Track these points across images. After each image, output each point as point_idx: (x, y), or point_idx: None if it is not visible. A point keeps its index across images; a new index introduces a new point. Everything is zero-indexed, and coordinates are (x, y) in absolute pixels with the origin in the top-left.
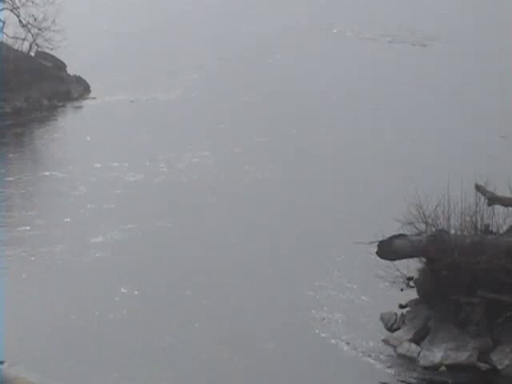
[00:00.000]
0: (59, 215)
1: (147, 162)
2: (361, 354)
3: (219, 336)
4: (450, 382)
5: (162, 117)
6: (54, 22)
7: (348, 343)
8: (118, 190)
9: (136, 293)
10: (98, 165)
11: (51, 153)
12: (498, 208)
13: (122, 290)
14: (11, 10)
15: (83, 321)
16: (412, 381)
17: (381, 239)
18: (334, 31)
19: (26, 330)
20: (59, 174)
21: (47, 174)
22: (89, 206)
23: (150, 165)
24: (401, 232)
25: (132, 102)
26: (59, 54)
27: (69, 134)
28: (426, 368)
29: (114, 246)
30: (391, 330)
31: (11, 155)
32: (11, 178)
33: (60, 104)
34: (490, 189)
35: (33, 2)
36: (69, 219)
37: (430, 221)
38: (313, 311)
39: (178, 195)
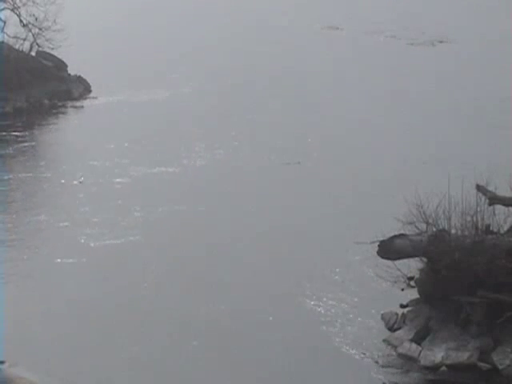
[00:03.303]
0: (98, 203)
1: (169, 155)
2: (361, 354)
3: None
4: (451, 381)
5: (169, 114)
6: (54, 21)
7: (349, 343)
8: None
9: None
10: (110, 161)
11: (54, 151)
12: (499, 208)
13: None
14: (12, 10)
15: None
16: (413, 381)
17: (381, 239)
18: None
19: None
20: (76, 170)
21: (48, 173)
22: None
23: (183, 157)
24: (401, 232)
25: (145, 100)
26: (60, 54)
27: (70, 134)
28: (426, 368)
29: (149, 228)
30: (392, 329)
31: (14, 154)
32: (11, 176)
33: (61, 104)
34: (490, 188)
35: (34, 2)
36: (105, 207)
37: (430, 221)
38: (313, 311)
39: (216, 181)
